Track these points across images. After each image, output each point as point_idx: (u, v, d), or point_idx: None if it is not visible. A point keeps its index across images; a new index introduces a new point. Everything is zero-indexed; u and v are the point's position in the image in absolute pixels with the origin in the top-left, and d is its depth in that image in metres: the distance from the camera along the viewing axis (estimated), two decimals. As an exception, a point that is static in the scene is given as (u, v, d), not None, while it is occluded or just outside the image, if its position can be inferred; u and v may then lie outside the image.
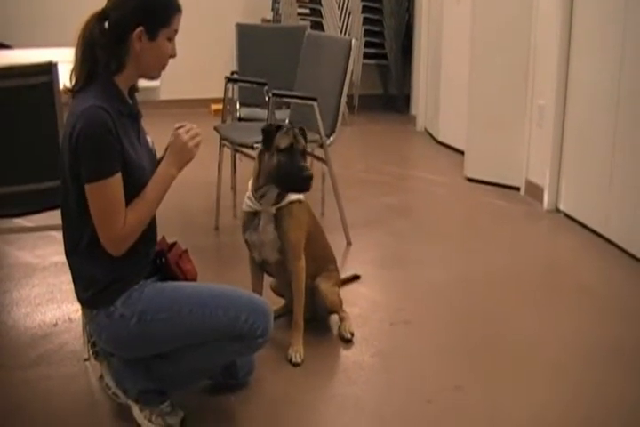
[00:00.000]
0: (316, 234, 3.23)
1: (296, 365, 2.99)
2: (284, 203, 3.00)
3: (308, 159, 4.49)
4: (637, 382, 2.94)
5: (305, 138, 3.03)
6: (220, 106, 6.70)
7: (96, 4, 2.46)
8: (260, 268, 3.18)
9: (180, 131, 2.49)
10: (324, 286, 3.21)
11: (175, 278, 2.57)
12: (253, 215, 3.02)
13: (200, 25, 7.75)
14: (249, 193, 3.03)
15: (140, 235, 2.41)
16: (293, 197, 3.02)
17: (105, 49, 2.38)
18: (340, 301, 3.30)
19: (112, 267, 2.41)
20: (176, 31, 2.46)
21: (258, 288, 3.18)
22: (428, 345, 3.21)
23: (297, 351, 3.02)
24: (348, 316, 3.31)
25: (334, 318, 3.34)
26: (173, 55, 2.50)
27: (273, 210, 2.98)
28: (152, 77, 2.52)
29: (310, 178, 2.91)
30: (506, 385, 2.90)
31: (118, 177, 2.33)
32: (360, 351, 3.13)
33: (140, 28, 2.37)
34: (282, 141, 2.92)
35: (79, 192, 2.35)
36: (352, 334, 3.22)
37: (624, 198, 4.16)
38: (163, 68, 2.50)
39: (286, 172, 2.90)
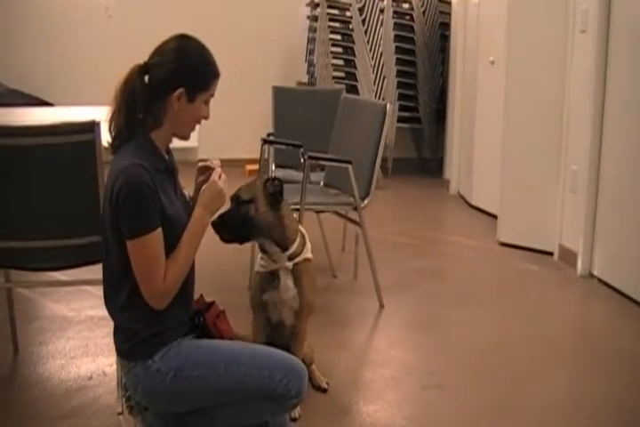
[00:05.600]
0: None
1: (294, 420, 2.95)
2: (299, 259, 3.00)
3: (342, 222, 4.55)
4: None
5: (277, 188, 2.91)
6: (254, 166, 6.80)
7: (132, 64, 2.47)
8: (269, 332, 3.12)
9: (215, 177, 2.53)
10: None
11: (212, 338, 2.57)
12: (271, 275, 3.03)
13: (237, 87, 7.91)
14: (261, 254, 3.05)
15: (179, 291, 2.43)
16: (308, 253, 3.04)
17: (144, 103, 2.42)
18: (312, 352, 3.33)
19: (152, 321, 2.43)
20: (212, 95, 2.52)
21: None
22: (459, 410, 3.19)
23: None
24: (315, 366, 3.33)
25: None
26: (207, 117, 2.54)
27: (290, 266, 2.99)
28: (183, 137, 2.55)
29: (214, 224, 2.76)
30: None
31: (159, 232, 2.36)
32: (392, 414, 3.12)
33: (181, 90, 2.41)
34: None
35: (121, 248, 2.38)
36: (327, 384, 3.28)
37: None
38: (194, 129, 2.55)
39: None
